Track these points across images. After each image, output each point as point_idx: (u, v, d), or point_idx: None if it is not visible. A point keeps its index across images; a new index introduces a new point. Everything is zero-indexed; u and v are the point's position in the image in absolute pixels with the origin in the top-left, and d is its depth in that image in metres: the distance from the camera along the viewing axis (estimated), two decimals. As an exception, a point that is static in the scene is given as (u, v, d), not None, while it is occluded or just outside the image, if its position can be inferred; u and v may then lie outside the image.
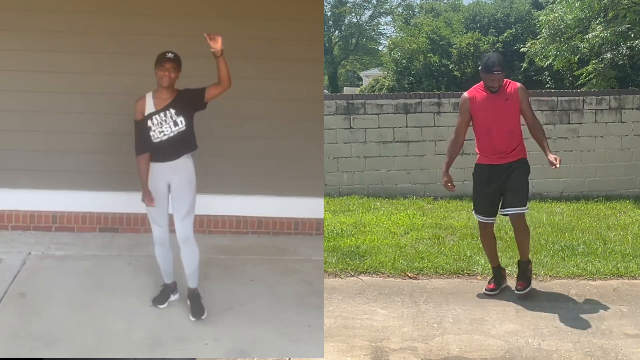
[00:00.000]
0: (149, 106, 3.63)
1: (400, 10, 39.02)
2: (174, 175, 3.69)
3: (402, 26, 27.91)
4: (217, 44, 3.62)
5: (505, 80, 4.07)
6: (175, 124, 3.66)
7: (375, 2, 40.62)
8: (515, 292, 4.08)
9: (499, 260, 4.34)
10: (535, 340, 3.42)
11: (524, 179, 4.10)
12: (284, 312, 3.85)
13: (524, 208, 4.08)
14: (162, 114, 3.64)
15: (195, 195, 3.77)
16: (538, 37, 13.62)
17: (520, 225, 4.09)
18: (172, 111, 3.65)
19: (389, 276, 4.55)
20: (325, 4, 37.87)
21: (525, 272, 4.14)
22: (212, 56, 4.95)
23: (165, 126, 3.63)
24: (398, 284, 4.38)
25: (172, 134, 3.64)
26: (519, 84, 4.13)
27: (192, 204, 3.75)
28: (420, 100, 7.91)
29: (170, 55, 3.61)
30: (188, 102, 3.69)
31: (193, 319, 3.68)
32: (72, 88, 4.82)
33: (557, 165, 3.87)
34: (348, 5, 40.01)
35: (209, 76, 4.88)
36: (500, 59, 4.01)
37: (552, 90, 10.23)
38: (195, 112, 3.74)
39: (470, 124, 4.24)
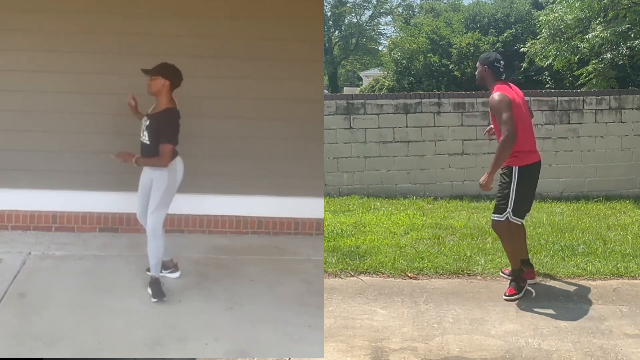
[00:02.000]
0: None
1: (400, 10, 39.06)
2: (152, 172, 3.87)
3: (402, 26, 27.91)
4: None
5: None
6: (144, 135, 3.85)
7: (375, 2, 40.63)
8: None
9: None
10: (535, 340, 3.42)
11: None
12: (284, 312, 3.85)
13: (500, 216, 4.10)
14: (145, 119, 3.84)
15: (169, 192, 3.87)
16: (538, 37, 13.60)
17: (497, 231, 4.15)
18: (147, 122, 3.81)
19: (389, 276, 4.55)
20: (325, 4, 37.87)
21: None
22: (212, 56, 4.96)
23: (143, 132, 3.86)
24: (398, 284, 4.38)
25: (143, 142, 3.86)
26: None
27: (162, 200, 3.86)
28: (420, 100, 7.91)
29: (146, 68, 3.73)
30: (158, 126, 3.78)
31: (155, 300, 3.84)
32: (72, 88, 4.82)
33: (482, 186, 3.94)
34: (348, 5, 40.01)
35: (208, 76, 4.90)
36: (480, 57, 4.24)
37: (552, 90, 10.21)
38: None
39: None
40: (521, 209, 4.08)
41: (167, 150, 3.72)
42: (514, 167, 4.00)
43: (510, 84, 4.14)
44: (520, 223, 4.14)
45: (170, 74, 3.75)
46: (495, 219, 4.08)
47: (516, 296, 4.04)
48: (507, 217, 4.03)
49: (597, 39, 10.67)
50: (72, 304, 3.78)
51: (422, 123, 7.86)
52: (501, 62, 4.09)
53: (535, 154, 4.11)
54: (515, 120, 3.91)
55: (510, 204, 4.01)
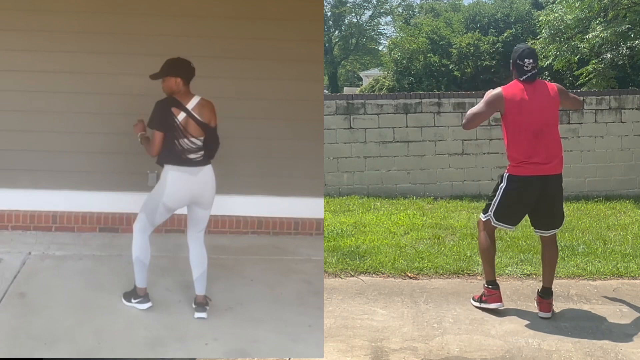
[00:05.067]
0: None
1: (400, 10, 39.08)
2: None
3: (402, 26, 27.90)
4: None
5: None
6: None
7: (375, 2, 40.68)
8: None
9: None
10: (535, 340, 3.42)
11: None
12: (284, 312, 3.85)
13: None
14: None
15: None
16: (538, 37, 13.60)
17: None
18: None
19: (389, 276, 4.55)
20: (325, 4, 37.88)
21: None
22: (212, 56, 4.95)
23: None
24: (398, 284, 4.39)
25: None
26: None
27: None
28: (420, 100, 7.91)
29: (154, 73, 3.62)
30: None
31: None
32: (72, 88, 4.82)
33: None
34: (348, 5, 40.05)
35: (208, 76, 4.89)
36: None
37: (552, 90, 10.18)
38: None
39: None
40: (505, 215, 3.83)
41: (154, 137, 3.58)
42: (505, 173, 3.82)
43: (535, 84, 3.76)
44: (507, 228, 3.92)
45: (179, 69, 3.54)
46: (481, 217, 3.98)
47: (475, 303, 3.93)
48: (489, 219, 3.85)
49: (597, 39, 10.66)
50: (72, 304, 3.78)
51: (422, 123, 7.87)
52: (525, 60, 3.70)
53: (531, 166, 3.72)
54: (510, 124, 3.74)
55: (493, 206, 3.84)
